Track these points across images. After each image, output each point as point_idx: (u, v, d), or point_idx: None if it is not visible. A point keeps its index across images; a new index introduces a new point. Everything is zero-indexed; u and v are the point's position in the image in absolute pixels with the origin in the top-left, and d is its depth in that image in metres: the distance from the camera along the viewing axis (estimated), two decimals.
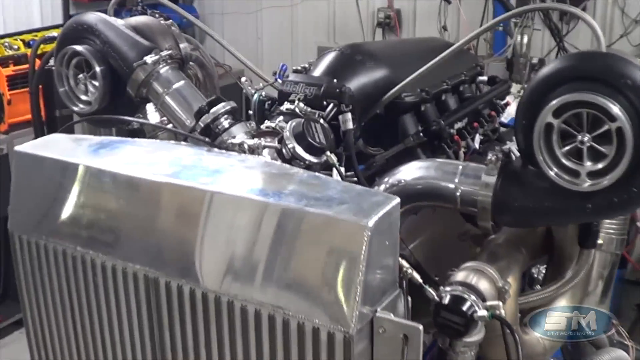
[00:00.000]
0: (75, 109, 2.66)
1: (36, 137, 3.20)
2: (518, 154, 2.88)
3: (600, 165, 1.78)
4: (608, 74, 1.78)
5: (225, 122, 2.14)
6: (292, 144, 1.97)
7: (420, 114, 2.61)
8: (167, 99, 2.42)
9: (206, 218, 1.72)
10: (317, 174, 1.80)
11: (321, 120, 2.13)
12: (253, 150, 1.99)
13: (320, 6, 7.11)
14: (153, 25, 2.75)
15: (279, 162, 1.98)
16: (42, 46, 3.98)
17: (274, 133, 2.13)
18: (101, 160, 1.93)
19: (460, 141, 2.61)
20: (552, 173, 1.84)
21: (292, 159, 1.98)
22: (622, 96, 1.74)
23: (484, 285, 1.87)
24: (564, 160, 1.83)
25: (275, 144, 2.01)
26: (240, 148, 1.99)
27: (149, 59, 2.39)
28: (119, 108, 2.63)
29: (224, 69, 6.48)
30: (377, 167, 2.61)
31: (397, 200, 1.64)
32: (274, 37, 7.50)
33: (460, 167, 2.05)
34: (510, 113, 3.22)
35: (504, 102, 3.13)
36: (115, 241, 1.89)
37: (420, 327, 1.54)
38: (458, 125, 2.68)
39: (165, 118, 2.62)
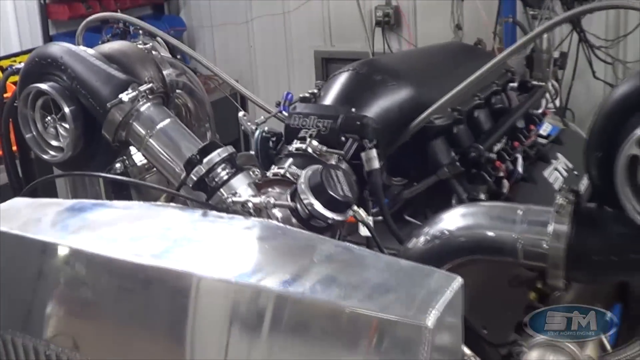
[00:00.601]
0: (46, 157, 2.26)
1: (11, 183, 2.80)
2: (566, 173, 2.53)
3: None
4: None
5: (222, 173, 1.72)
6: (308, 199, 1.56)
7: (453, 138, 2.21)
8: (151, 142, 2.01)
9: (207, 313, 1.32)
10: (348, 245, 1.39)
11: (343, 165, 1.73)
12: (260, 211, 1.58)
13: (313, 7, 6.69)
14: (130, 52, 2.34)
15: (293, 226, 1.57)
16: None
17: (284, 182, 1.73)
18: (72, 237, 1.53)
19: (502, 166, 2.22)
20: None
21: (311, 218, 1.57)
22: None
23: None
24: None
25: (288, 200, 1.60)
26: (244, 208, 1.58)
27: (126, 96, 1.98)
28: (97, 152, 2.24)
29: (217, 82, 6.11)
30: (402, 202, 2.23)
31: (460, 282, 1.24)
32: (267, 44, 7.07)
33: (520, 212, 1.66)
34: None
35: (541, 110, 2.74)
36: (91, 336, 1.50)
37: None
38: (497, 147, 2.28)
39: None
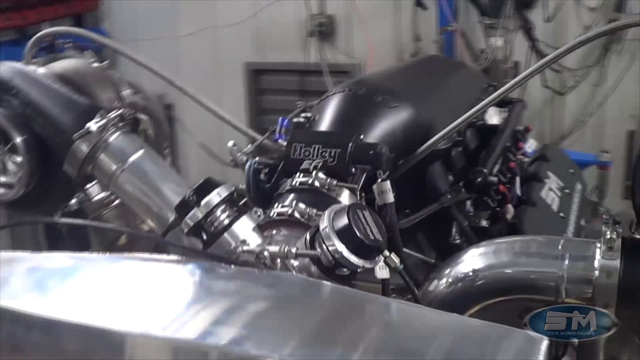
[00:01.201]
0: None
1: None
2: (560, 193, 2.40)
3: None
4: None
5: (223, 217, 1.46)
6: (334, 245, 1.33)
7: (450, 161, 2.05)
8: (123, 177, 1.75)
9: None
10: (398, 301, 1.19)
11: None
12: (273, 260, 1.35)
13: (243, 18, 6.42)
14: (86, 72, 2.09)
15: (312, 276, 1.35)
16: None
17: (291, 223, 1.50)
18: (54, 305, 1.26)
19: (505, 190, 2.07)
20: None
21: (336, 266, 1.35)
22: None
23: None
24: None
25: (307, 245, 1.37)
26: (258, 259, 1.35)
27: (94, 125, 1.72)
28: (52, 188, 1.96)
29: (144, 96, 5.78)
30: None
31: (546, 343, 1.05)
32: (194, 59, 6.75)
33: (560, 246, 1.49)
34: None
35: (524, 127, 2.61)
36: None
37: None
38: (495, 169, 2.13)
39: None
